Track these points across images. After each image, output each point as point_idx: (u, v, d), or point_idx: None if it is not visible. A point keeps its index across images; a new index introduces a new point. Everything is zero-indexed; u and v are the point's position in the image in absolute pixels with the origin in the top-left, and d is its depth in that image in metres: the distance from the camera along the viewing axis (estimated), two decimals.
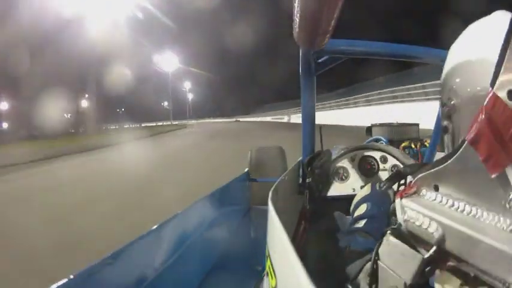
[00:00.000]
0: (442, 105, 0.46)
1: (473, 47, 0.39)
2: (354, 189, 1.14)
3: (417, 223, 0.37)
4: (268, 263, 0.53)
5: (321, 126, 1.32)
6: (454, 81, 0.42)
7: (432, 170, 0.38)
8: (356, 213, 0.64)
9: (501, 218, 0.30)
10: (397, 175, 0.60)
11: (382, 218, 0.53)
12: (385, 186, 0.62)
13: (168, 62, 53.72)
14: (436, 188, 0.38)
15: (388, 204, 0.50)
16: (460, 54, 0.42)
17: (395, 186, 0.65)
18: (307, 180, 1.07)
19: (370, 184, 0.69)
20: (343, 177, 1.15)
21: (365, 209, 0.62)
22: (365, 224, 0.59)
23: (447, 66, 0.45)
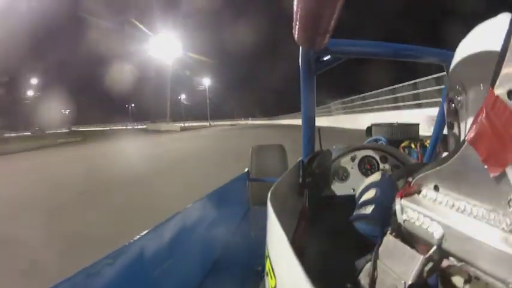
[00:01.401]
0: (449, 101, 0.45)
1: (483, 44, 0.39)
2: (353, 189, 1.14)
3: (417, 223, 0.37)
4: (267, 263, 0.52)
5: (319, 128, 1.33)
6: (462, 77, 0.42)
7: (432, 170, 0.38)
8: (363, 198, 0.63)
9: (501, 218, 0.30)
10: (404, 170, 0.59)
11: (390, 207, 0.53)
12: (395, 176, 0.62)
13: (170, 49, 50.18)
14: (436, 188, 0.38)
15: (396, 193, 0.49)
16: (470, 50, 0.42)
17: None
18: (307, 180, 1.07)
19: (380, 172, 0.68)
20: (343, 177, 1.15)
21: (373, 194, 0.61)
22: (372, 210, 0.58)
23: (455, 62, 0.44)
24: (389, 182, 0.63)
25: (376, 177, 0.66)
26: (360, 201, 0.63)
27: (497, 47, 0.31)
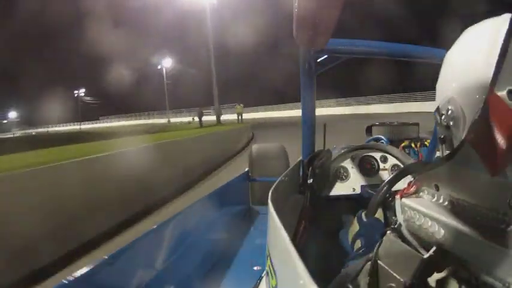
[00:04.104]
0: (440, 114, 0.41)
1: (474, 52, 0.37)
2: (354, 189, 1.14)
3: (417, 223, 0.37)
4: (268, 263, 0.53)
5: (325, 124, 1.32)
6: (453, 89, 0.39)
7: (432, 170, 0.38)
8: (355, 248, 0.68)
9: (501, 218, 0.30)
10: (375, 200, 0.57)
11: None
12: (370, 211, 0.60)
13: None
14: (437, 188, 0.38)
15: (379, 229, 0.50)
16: (459, 60, 0.40)
17: (395, 187, 0.66)
18: (308, 180, 1.07)
19: (356, 218, 0.71)
20: (344, 177, 1.15)
21: (360, 244, 0.65)
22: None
23: (444, 73, 0.42)
24: (367, 225, 0.67)
25: (355, 227, 0.70)
26: (354, 250, 0.68)
27: (489, 54, 0.30)
